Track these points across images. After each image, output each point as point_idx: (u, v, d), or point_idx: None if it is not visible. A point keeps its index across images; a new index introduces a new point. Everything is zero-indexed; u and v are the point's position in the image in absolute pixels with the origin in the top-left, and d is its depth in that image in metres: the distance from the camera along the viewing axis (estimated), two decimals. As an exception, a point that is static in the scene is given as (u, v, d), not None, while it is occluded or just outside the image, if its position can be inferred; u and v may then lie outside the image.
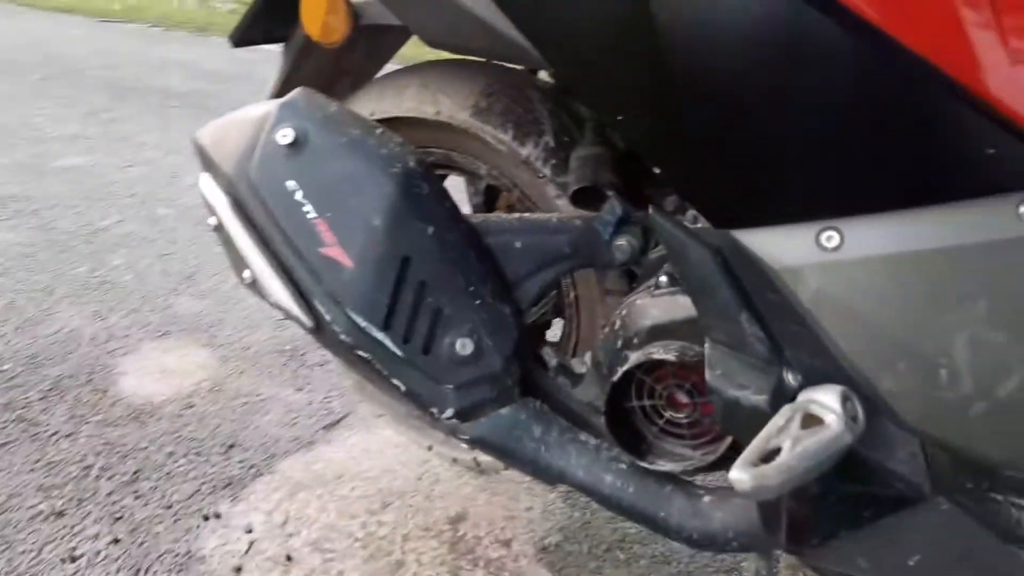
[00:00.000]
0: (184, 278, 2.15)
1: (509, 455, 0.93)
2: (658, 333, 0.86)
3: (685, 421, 0.88)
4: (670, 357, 0.83)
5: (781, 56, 0.65)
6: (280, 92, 1.20)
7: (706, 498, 0.88)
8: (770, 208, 0.70)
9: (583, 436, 0.93)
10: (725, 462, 0.87)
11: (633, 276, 1.07)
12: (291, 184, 0.90)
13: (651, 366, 0.86)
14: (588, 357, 0.98)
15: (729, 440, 0.85)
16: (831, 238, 0.69)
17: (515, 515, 1.38)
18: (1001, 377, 0.68)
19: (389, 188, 0.89)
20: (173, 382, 1.69)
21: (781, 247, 0.71)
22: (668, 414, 0.89)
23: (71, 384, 1.66)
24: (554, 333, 1.42)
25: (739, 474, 0.63)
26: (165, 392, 1.65)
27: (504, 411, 0.93)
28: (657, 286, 0.88)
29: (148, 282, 2.11)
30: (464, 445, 0.96)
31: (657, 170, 0.73)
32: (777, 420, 0.68)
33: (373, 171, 0.90)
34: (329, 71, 1.27)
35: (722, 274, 0.74)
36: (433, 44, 0.87)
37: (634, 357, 0.86)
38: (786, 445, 0.65)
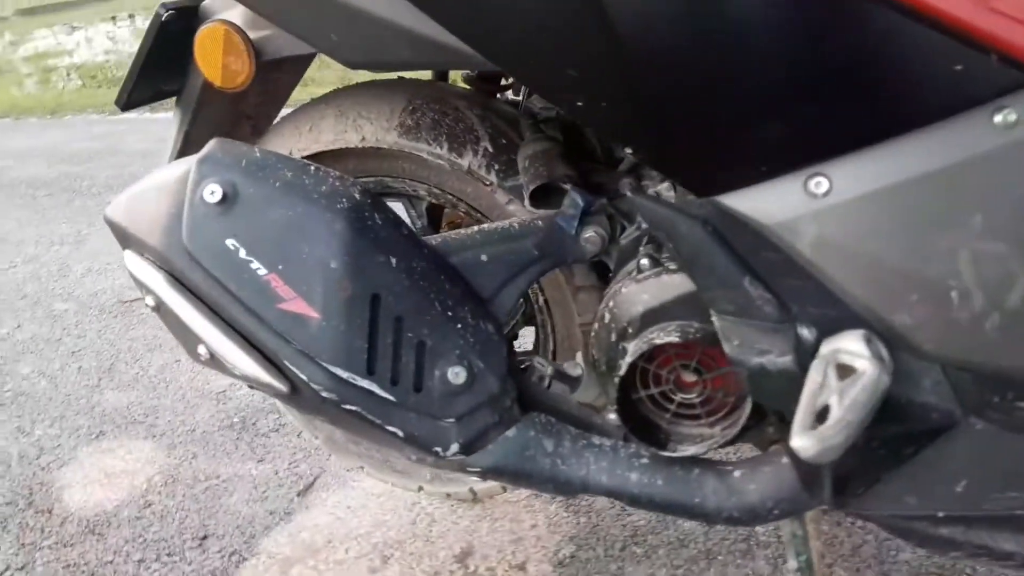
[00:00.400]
0: (103, 372, 1.99)
1: (525, 477, 0.87)
2: (652, 317, 0.83)
3: (697, 400, 0.86)
4: (673, 339, 0.80)
5: (736, 6, 0.62)
6: (182, 150, 1.11)
7: (736, 473, 0.85)
8: (752, 166, 0.68)
9: (595, 439, 0.89)
10: (745, 433, 0.85)
11: (602, 267, 1.04)
12: (231, 243, 0.82)
13: (653, 352, 0.82)
14: (578, 358, 0.94)
15: (748, 410, 0.82)
16: (819, 184, 0.67)
17: (522, 536, 1.32)
18: (1009, 286, 0.67)
19: (340, 226, 0.82)
20: (123, 484, 1.55)
21: (770, 203, 0.68)
22: (678, 396, 0.86)
23: (11, 511, 1.50)
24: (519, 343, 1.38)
25: (802, 441, 0.60)
26: (116, 496, 1.52)
27: (510, 433, 0.87)
28: (639, 270, 0.85)
29: (65, 384, 1.95)
30: (473, 477, 0.90)
31: (629, 151, 0.70)
32: (813, 378, 0.66)
33: (318, 211, 0.83)
34: (227, 118, 1.19)
35: (717, 243, 0.71)
36: (352, 64, 0.81)
37: (634, 346, 0.82)
38: (833, 401, 0.62)
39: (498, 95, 1.21)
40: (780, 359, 0.70)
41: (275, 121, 1.17)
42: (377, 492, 1.45)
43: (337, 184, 0.85)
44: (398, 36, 0.76)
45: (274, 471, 1.55)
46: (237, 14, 0.92)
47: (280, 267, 0.82)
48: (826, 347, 0.69)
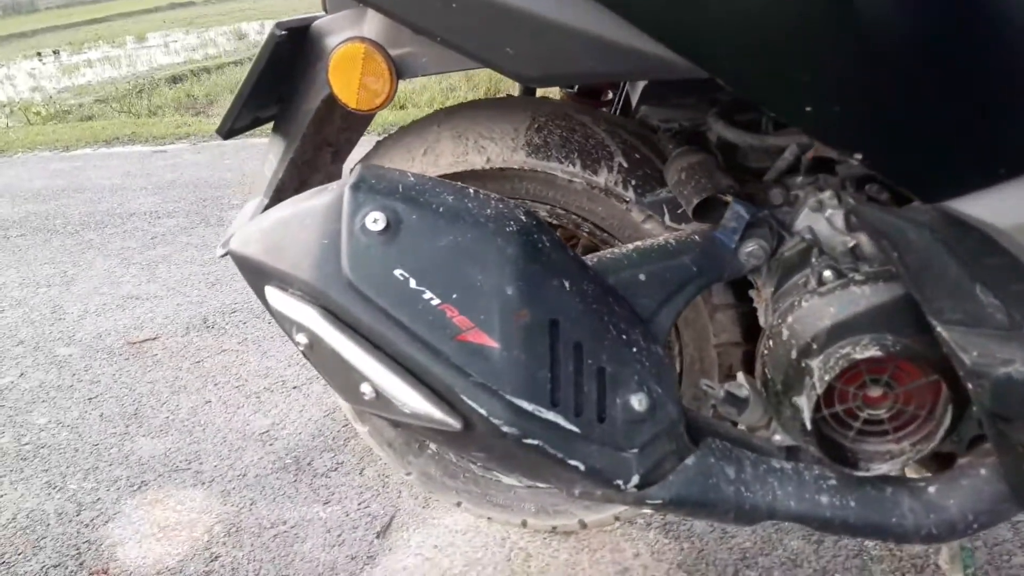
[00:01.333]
0: (128, 418, 1.88)
1: (708, 507, 0.83)
2: (841, 331, 0.80)
3: (885, 416, 0.83)
4: (874, 353, 0.77)
5: (1000, 8, 0.60)
6: (286, 179, 1.04)
7: (931, 489, 0.82)
8: (989, 168, 0.65)
9: (775, 463, 0.85)
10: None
11: (738, 286, 1.01)
12: (400, 273, 0.77)
13: (844, 369, 0.79)
14: (742, 378, 0.90)
15: (947, 422, 0.80)
16: (1058, 183, 0.65)
17: (627, 567, 1.27)
18: None
19: (512, 250, 0.78)
20: (181, 537, 1.45)
21: (1005, 205, 0.66)
22: (864, 413, 0.83)
23: (62, 575, 1.39)
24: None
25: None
26: (178, 551, 1.41)
27: (689, 461, 0.83)
28: (821, 282, 0.82)
29: (89, 434, 1.83)
30: (648, 511, 0.85)
31: (857, 157, 0.67)
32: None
33: (488, 236, 0.78)
34: (308, 145, 1.13)
35: (947, 250, 0.69)
36: (528, 79, 0.76)
37: (829, 363, 0.79)
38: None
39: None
40: (1025, 368, 0.68)
41: (373, 148, 1.11)
42: (461, 528, 1.39)
43: (501, 206, 0.81)
44: (586, 45, 0.72)
45: (344, 513, 1.47)
46: (372, 30, 0.87)
47: (454, 296, 0.76)
48: (1066, 352, 0.67)
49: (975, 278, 0.69)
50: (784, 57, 0.64)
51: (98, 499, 1.59)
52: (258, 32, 10.32)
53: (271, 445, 1.70)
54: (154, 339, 2.25)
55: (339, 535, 1.41)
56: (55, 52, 10.74)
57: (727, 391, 0.88)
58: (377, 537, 1.40)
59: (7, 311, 2.60)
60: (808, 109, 0.66)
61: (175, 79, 7.58)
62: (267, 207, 1.06)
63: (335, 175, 1.19)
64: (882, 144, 0.66)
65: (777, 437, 0.89)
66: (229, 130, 1.00)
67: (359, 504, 1.49)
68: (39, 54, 10.86)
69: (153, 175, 4.07)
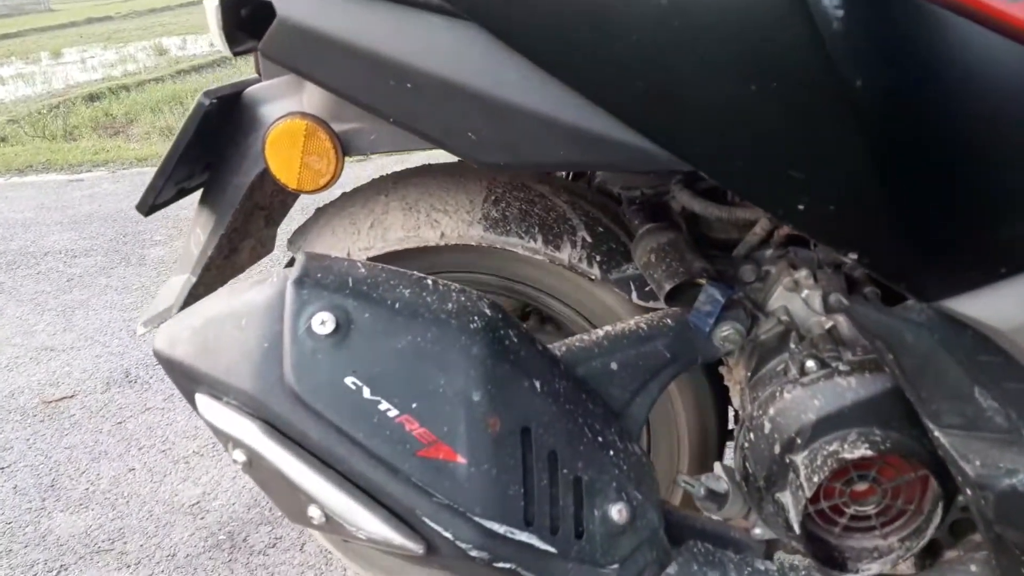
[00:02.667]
0: (45, 490, 1.72)
1: (693, 617, 0.77)
2: (827, 426, 0.75)
3: (873, 511, 0.78)
4: (864, 452, 0.72)
5: (999, 108, 0.56)
6: (214, 257, 0.95)
7: (924, 587, 0.78)
8: (989, 267, 0.61)
9: (760, 564, 0.80)
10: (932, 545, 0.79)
11: (709, 367, 0.96)
12: (351, 382, 0.69)
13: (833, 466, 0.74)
14: (720, 471, 0.84)
15: (937, 520, 0.76)
16: (1059, 282, 0.61)
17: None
18: None
19: (478, 350, 0.70)
20: (104, 634, 1.32)
21: (1004, 305, 0.62)
22: (852, 509, 0.78)
23: None
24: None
25: None
26: (100, 652, 1.28)
27: (671, 571, 0.77)
28: (803, 371, 0.77)
29: (2, 509, 1.67)
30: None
31: (852, 256, 0.62)
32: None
33: (450, 335, 0.70)
34: (239, 212, 1.04)
35: (945, 351, 0.64)
36: (492, 166, 0.69)
37: (818, 462, 0.74)
38: None
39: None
40: (1032, 479, 0.64)
41: (313, 216, 1.02)
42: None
43: (464, 299, 0.73)
44: (558, 133, 0.65)
45: (286, 596, 1.36)
46: (314, 103, 0.79)
47: (414, 405, 0.69)
48: (1070, 458, 0.64)
49: (974, 380, 0.65)
50: (778, 153, 0.59)
51: (9, 589, 1.44)
52: (179, 47, 9.98)
53: (202, 519, 1.58)
54: (71, 397, 2.09)
55: (281, 623, 1.31)
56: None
57: (707, 487, 0.82)
58: (323, 623, 1.30)
59: (-95, 366, 2.39)
60: (801, 207, 0.61)
61: (92, 97, 7.24)
62: (194, 288, 0.96)
63: (268, 240, 1.10)
64: (879, 244, 0.62)
65: (757, 530, 0.84)
66: (151, 206, 0.90)
67: (302, 585, 1.39)
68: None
69: (69, 207, 3.84)
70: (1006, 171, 0.59)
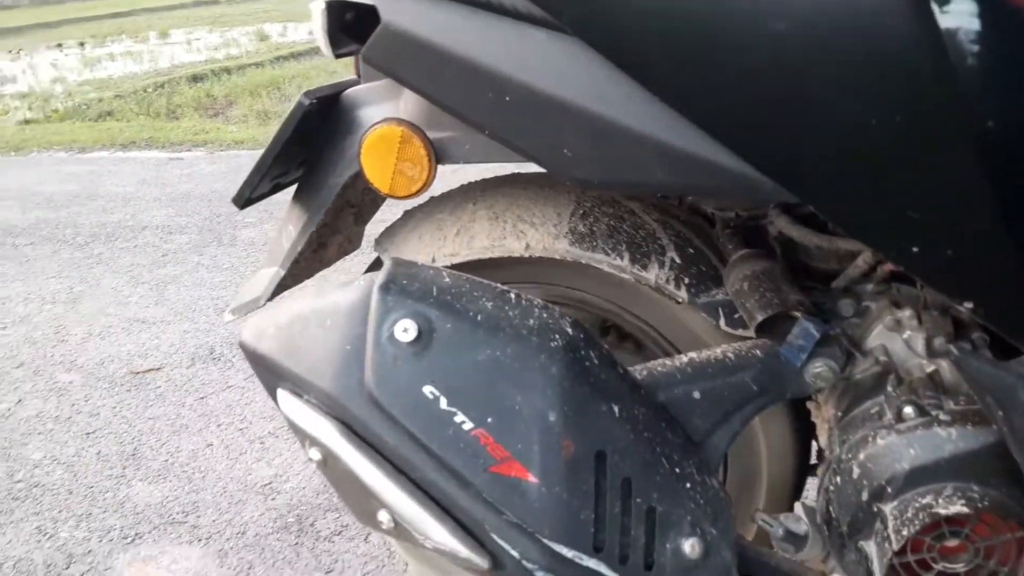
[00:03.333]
0: (126, 459, 1.80)
1: (761, 663, 0.74)
2: (921, 477, 0.71)
3: (963, 570, 0.74)
4: (962, 509, 0.68)
5: None
6: (304, 252, 0.96)
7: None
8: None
9: (837, 612, 0.76)
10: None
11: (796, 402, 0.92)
12: (430, 391, 0.68)
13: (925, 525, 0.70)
14: (801, 511, 0.81)
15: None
16: None
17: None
18: None
19: (557, 370, 0.69)
20: (173, 604, 1.37)
21: None
22: (939, 565, 0.74)
23: (45, 643, 1.30)
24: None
25: None
26: (169, 621, 1.33)
27: (742, 609, 0.74)
28: (900, 418, 0.73)
29: (85, 474, 1.75)
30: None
31: (968, 305, 0.58)
32: None
33: (530, 352, 0.69)
34: (330, 208, 1.05)
35: (1060, 411, 0.60)
36: (585, 184, 0.68)
37: (909, 515, 0.70)
38: None
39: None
40: None
41: (402, 219, 1.03)
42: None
43: (546, 316, 0.72)
44: (657, 154, 0.63)
45: (347, 586, 1.38)
46: (411, 109, 0.79)
47: (490, 420, 0.68)
48: None
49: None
50: (896, 192, 0.56)
51: (89, 551, 1.51)
52: (280, 34, 10.28)
53: (273, 500, 1.62)
54: (158, 369, 2.17)
55: (341, 612, 1.33)
56: (80, 44, 10.72)
57: (786, 528, 0.79)
58: (381, 617, 1.31)
59: (9, 329, 2.53)
60: (916, 250, 0.57)
61: (196, 78, 7.53)
62: (282, 280, 0.97)
63: (356, 237, 1.11)
64: (997, 294, 0.58)
65: (836, 576, 0.80)
66: (247, 199, 0.92)
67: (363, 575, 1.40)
68: (60, 45, 10.86)
69: (168, 185, 4.00)
70: None
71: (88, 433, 1.91)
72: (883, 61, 0.53)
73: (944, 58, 0.51)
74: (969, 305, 0.58)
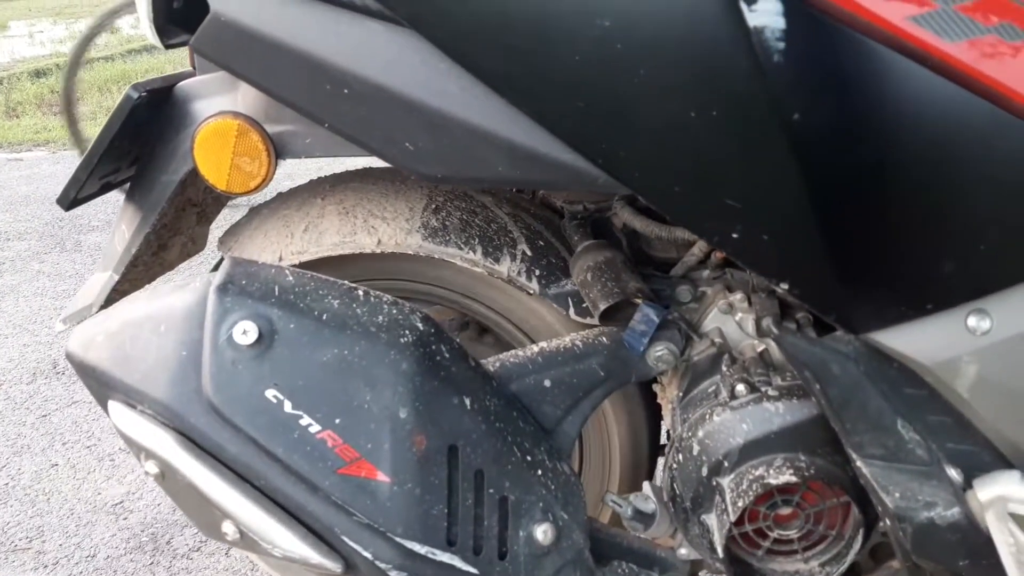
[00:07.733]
0: (-41, 484, 1.65)
1: (615, 641, 0.77)
2: (754, 450, 0.76)
3: (795, 536, 0.79)
4: (791, 478, 0.73)
5: (933, 146, 0.57)
6: (138, 255, 0.91)
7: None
8: (917, 302, 0.62)
9: (685, 586, 0.80)
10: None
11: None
12: (272, 395, 0.67)
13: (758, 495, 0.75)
14: (649, 490, 0.84)
15: (857, 546, 0.77)
16: (981, 321, 0.62)
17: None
18: None
19: (407, 366, 0.69)
20: (14, 639, 1.27)
21: (930, 340, 0.63)
22: (775, 532, 0.79)
23: None
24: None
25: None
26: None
27: (596, 591, 0.76)
28: (733, 395, 0.77)
29: (-91, 505, 1.59)
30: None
31: (783, 286, 0.62)
32: (1002, 538, 0.60)
33: (379, 349, 0.69)
34: (169, 207, 1.00)
35: (870, 384, 0.65)
36: (429, 178, 0.67)
37: (744, 487, 0.74)
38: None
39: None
40: (948, 512, 0.64)
41: (246, 216, 0.99)
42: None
43: (395, 312, 0.71)
44: (496, 149, 0.64)
45: (210, 603, 1.33)
46: (248, 103, 0.76)
47: (337, 421, 0.67)
48: (985, 494, 0.64)
49: (897, 412, 0.65)
50: (714, 181, 0.59)
51: (-86, 590, 1.37)
52: (132, 26, 9.69)
53: (125, 519, 1.53)
54: (-6, 387, 2.00)
55: (202, 630, 1.27)
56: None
57: (634, 507, 0.82)
58: (246, 631, 1.27)
59: None
60: (735, 235, 0.60)
61: (38, 73, 6.98)
62: (119, 286, 0.92)
63: (200, 238, 1.06)
64: (809, 275, 0.62)
65: (683, 551, 0.84)
66: (73, 200, 0.86)
67: (226, 591, 1.35)
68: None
69: (6, 188, 3.70)
70: (936, 209, 0.59)
71: (-88, 461, 1.74)
72: (699, 57, 0.56)
73: (753, 55, 0.55)
74: (785, 285, 0.61)
